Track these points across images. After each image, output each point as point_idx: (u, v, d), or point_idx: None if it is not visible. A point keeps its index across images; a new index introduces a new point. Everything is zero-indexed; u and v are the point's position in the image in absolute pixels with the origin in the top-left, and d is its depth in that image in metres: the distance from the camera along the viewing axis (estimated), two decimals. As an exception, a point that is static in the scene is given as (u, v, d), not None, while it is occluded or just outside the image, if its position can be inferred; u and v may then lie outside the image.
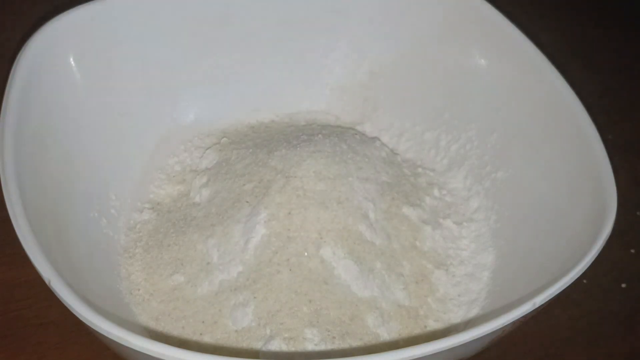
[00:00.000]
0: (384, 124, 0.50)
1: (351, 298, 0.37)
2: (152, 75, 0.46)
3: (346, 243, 0.38)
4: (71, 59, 0.41)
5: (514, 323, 0.30)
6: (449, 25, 0.47)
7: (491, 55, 0.45)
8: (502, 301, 0.37)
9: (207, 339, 0.37)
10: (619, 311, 0.44)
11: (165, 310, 0.38)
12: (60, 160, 0.38)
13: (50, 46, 0.40)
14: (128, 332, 0.27)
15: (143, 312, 0.38)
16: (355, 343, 0.36)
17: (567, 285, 0.31)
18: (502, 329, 0.30)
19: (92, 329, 0.28)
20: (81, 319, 0.28)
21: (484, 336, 0.29)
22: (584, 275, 0.32)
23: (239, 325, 0.37)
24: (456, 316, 0.39)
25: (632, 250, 0.48)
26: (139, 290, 0.39)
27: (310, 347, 0.35)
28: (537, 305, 0.30)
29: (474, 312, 0.39)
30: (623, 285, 0.46)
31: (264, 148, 0.44)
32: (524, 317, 0.30)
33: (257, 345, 0.36)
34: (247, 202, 0.40)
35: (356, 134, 0.46)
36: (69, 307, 0.29)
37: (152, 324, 0.38)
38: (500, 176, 0.44)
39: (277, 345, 0.35)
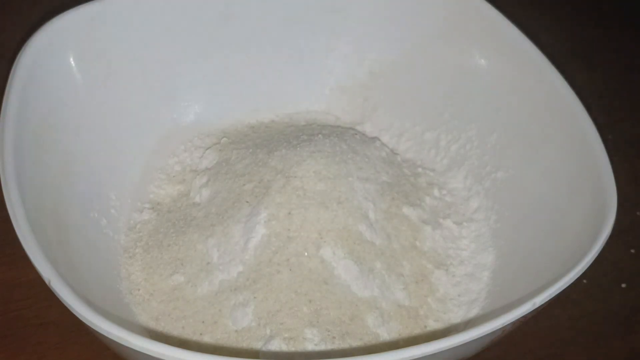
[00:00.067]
0: (384, 124, 0.50)
1: (351, 298, 0.37)
2: (152, 75, 0.46)
3: (346, 243, 0.38)
4: (71, 59, 0.41)
5: (514, 323, 0.30)
6: (449, 25, 0.47)
7: (491, 55, 0.45)
8: (502, 301, 0.37)
9: (207, 339, 0.37)
10: (619, 311, 0.44)
11: (165, 310, 0.38)
12: (60, 160, 0.38)
13: (50, 46, 0.40)
14: (128, 332, 0.27)
15: (143, 312, 0.38)
16: (355, 343, 0.36)
17: (567, 285, 0.31)
18: (502, 329, 0.30)
19: (92, 329, 0.28)
20: (81, 319, 0.28)
21: (484, 336, 0.29)
22: (584, 275, 0.32)
23: (239, 325, 0.37)
24: (456, 316, 0.39)
25: (632, 250, 0.48)
26: (139, 290, 0.39)
27: (310, 347, 0.35)
28: (537, 305, 0.30)
29: (474, 312, 0.39)
30: (623, 285, 0.46)
31: (264, 148, 0.44)
32: (524, 317, 0.30)
33: (257, 345, 0.36)
34: (247, 202, 0.40)
35: (356, 134, 0.46)
36: (69, 307, 0.29)
37: (152, 324, 0.38)
38: (500, 176, 0.44)
39: (277, 345, 0.35)
